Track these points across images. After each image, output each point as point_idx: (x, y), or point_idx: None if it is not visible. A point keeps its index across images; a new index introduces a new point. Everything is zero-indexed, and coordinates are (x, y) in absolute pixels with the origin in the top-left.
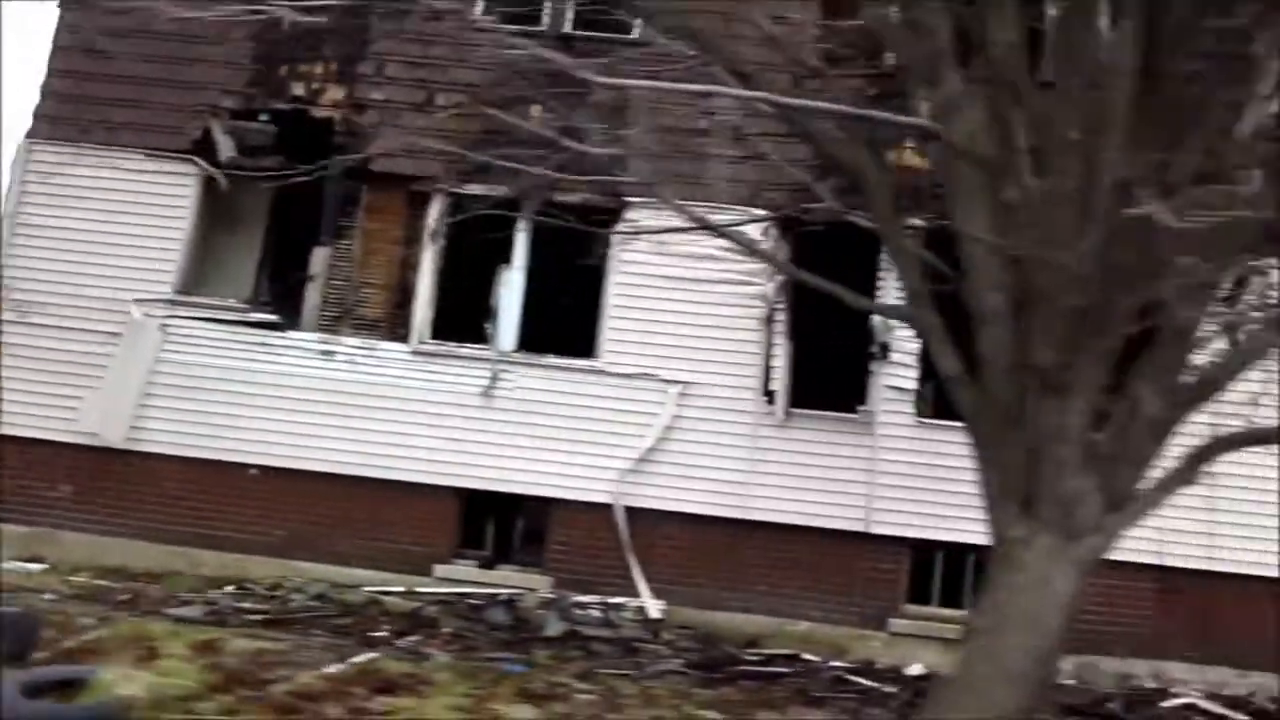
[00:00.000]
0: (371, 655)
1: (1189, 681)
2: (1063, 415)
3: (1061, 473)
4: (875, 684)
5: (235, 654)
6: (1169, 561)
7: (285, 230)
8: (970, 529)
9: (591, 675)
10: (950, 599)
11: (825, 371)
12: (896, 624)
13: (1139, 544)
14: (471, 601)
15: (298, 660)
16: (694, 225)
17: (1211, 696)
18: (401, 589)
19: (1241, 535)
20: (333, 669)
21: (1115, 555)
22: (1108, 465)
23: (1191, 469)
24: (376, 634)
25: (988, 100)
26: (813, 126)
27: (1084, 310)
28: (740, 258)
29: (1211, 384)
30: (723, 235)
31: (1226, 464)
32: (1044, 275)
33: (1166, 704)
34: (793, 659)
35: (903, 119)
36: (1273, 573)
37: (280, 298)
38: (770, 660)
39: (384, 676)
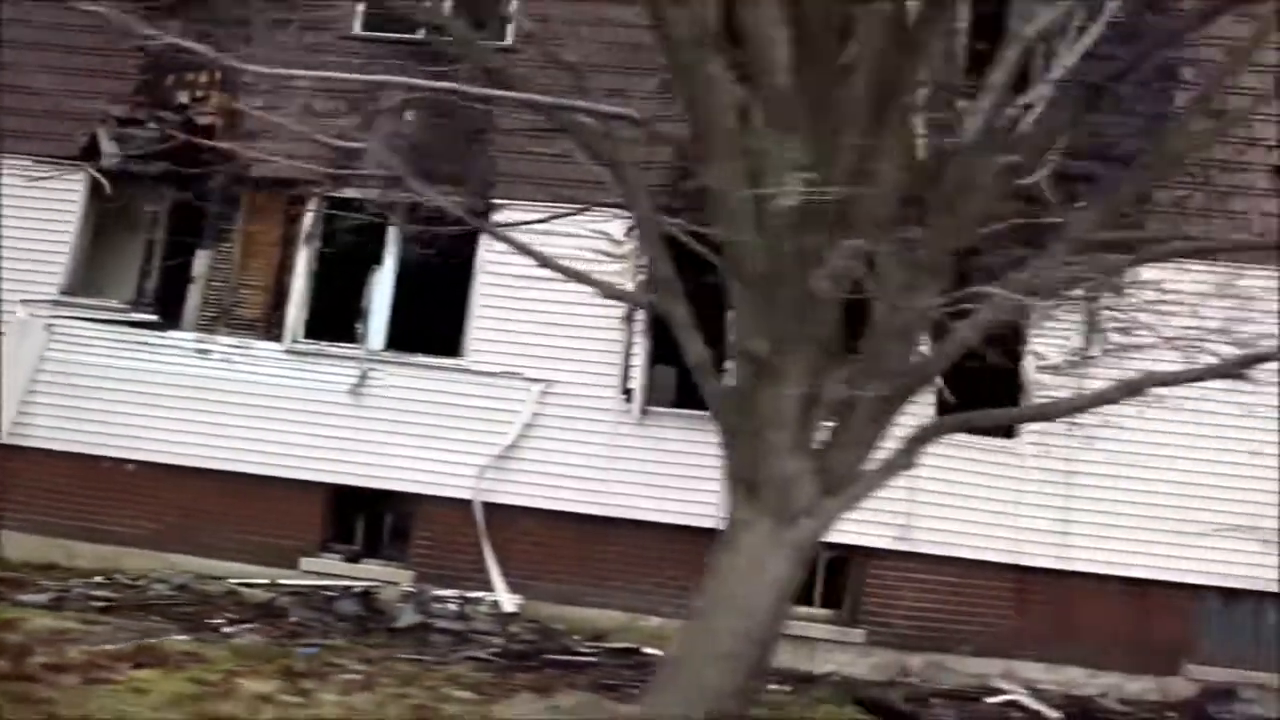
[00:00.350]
0: (178, 637)
1: (1041, 681)
2: (776, 401)
3: (777, 457)
4: None
5: (28, 632)
6: (1025, 561)
7: (172, 233)
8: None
9: (388, 659)
10: (803, 596)
11: (684, 371)
12: None
13: (996, 544)
14: (326, 593)
15: (89, 639)
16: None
17: (1038, 694)
18: (265, 581)
19: (1097, 535)
20: (112, 646)
21: (972, 555)
22: (823, 450)
23: (908, 454)
24: (211, 621)
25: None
26: (565, 120)
27: (791, 298)
28: (603, 258)
29: (922, 374)
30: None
31: (1082, 464)
32: (745, 261)
33: (991, 700)
34: (631, 652)
35: (605, 108)
36: (1128, 572)
37: (165, 299)
38: (606, 653)
39: (158, 653)
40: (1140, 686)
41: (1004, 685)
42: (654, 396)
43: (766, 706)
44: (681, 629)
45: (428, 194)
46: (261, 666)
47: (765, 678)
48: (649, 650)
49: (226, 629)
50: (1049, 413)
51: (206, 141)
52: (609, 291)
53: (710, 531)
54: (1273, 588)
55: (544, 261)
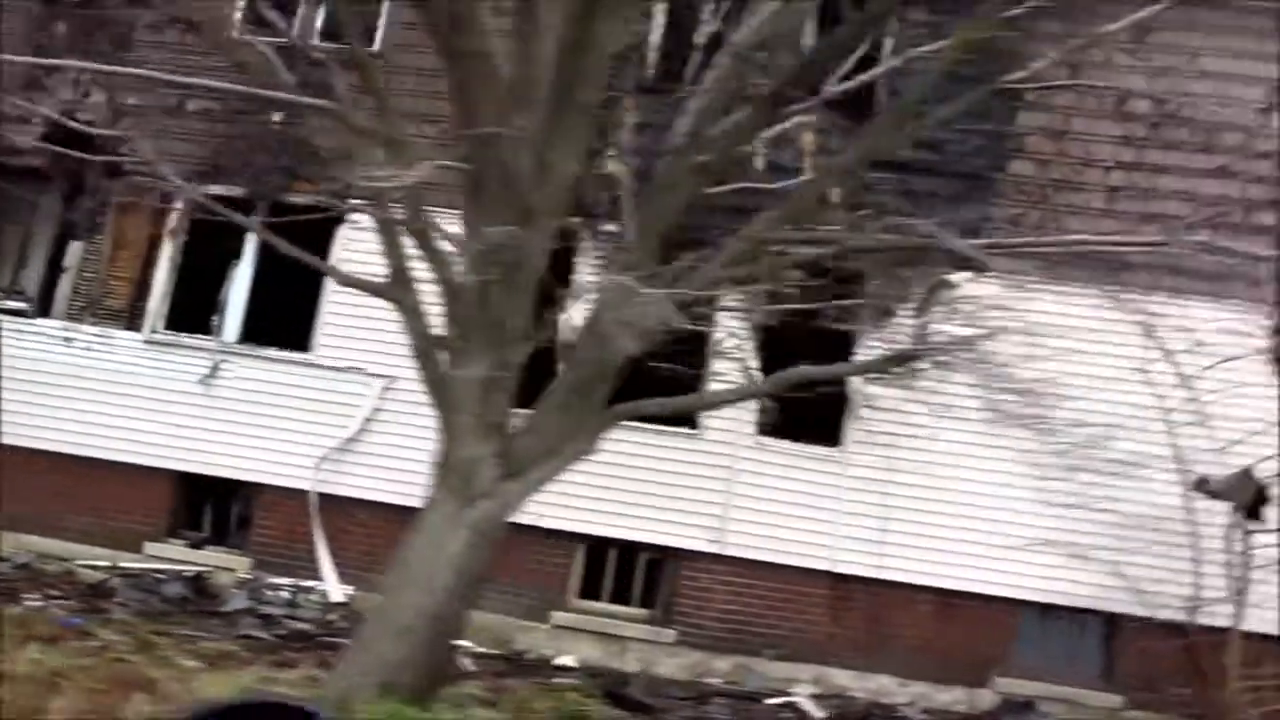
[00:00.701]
0: None
1: (851, 688)
2: (459, 385)
3: (460, 440)
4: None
5: None
6: (841, 569)
7: (49, 225)
8: (644, 527)
9: (152, 632)
10: (621, 595)
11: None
12: (559, 617)
13: (812, 550)
14: (156, 576)
15: None
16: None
17: (820, 699)
18: (106, 563)
19: (913, 546)
20: None
21: (787, 560)
22: (506, 436)
23: (587, 442)
24: (27, 596)
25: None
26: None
27: (469, 283)
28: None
29: (602, 368)
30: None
31: (902, 476)
32: (427, 251)
33: (770, 701)
34: None
35: (307, 100)
36: (943, 584)
37: (45, 289)
38: None
39: None
40: (949, 697)
41: (796, 690)
42: None
43: (510, 693)
44: (371, 604)
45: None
46: (15, 633)
47: (451, 653)
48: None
49: (34, 603)
50: (713, 401)
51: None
52: (345, 280)
53: (530, 529)
54: (1088, 603)
55: (299, 257)
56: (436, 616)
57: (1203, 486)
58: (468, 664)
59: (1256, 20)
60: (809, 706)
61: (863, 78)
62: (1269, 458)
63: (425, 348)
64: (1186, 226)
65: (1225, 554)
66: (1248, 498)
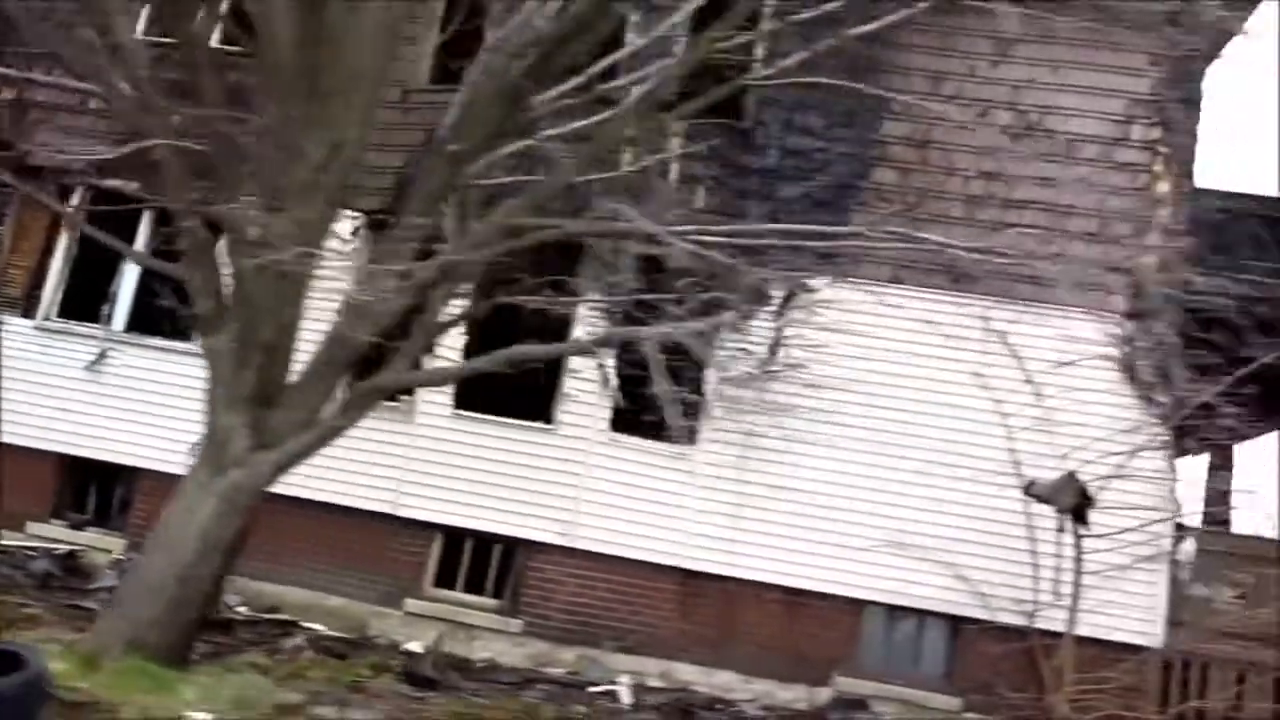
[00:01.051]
0: None
1: (696, 683)
2: (215, 359)
3: (214, 410)
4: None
5: None
6: (691, 565)
7: None
8: (500, 520)
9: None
10: (476, 585)
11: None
12: (412, 604)
13: (662, 546)
14: (27, 553)
15: None
16: None
17: (660, 691)
18: None
19: (763, 544)
20: None
21: (637, 555)
22: (260, 408)
23: (346, 418)
24: None
25: None
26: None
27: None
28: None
29: (350, 348)
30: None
31: (753, 475)
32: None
33: (592, 690)
34: (286, 624)
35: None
36: (791, 582)
37: None
38: (253, 622)
39: None
40: (790, 695)
41: (621, 680)
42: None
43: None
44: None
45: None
46: None
47: (202, 615)
48: (310, 625)
49: None
50: (438, 379)
51: None
52: (141, 262)
53: (386, 517)
54: (932, 605)
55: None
56: (183, 579)
57: (1030, 490)
58: (298, 640)
59: (1117, 34)
60: (624, 694)
61: (605, 61)
62: (1110, 463)
63: (204, 319)
64: (1042, 237)
65: (1055, 557)
66: (1070, 501)
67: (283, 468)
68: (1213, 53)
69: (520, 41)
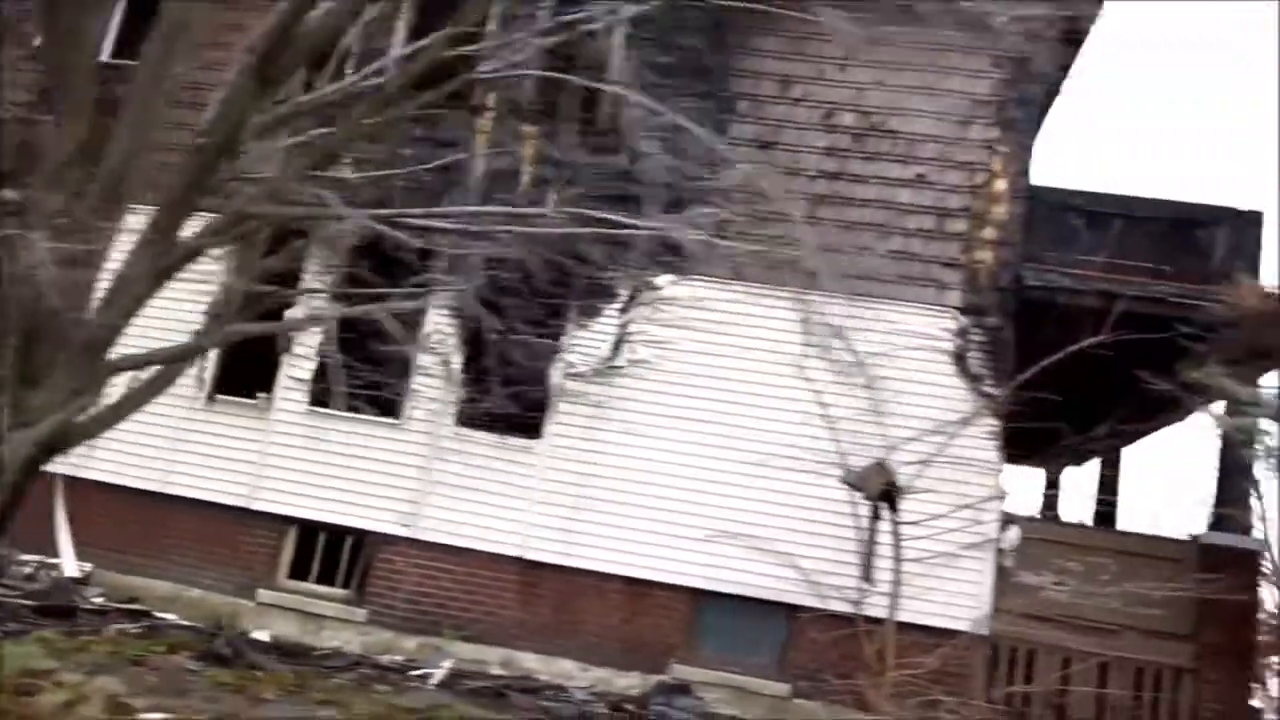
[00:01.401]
0: None
1: (537, 671)
2: None
3: None
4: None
5: None
6: (533, 556)
7: None
8: (351, 513)
9: None
10: (328, 577)
11: (249, 360)
12: (265, 595)
13: (505, 537)
14: None
15: None
16: None
17: (462, 674)
18: None
19: (603, 535)
20: None
21: (481, 546)
22: (13, 389)
23: (90, 396)
24: None
25: None
26: None
27: None
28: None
29: (105, 332)
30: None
31: (594, 467)
32: None
33: (412, 673)
34: (138, 613)
35: None
36: (630, 572)
37: None
38: (102, 611)
39: None
40: (627, 682)
41: (443, 664)
42: (222, 384)
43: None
44: None
45: None
46: None
47: None
48: (164, 615)
49: None
50: (173, 356)
51: None
52: None
53: (243, 511)
54: (768, 594)
55: None
56: None
57: (843, 479)
58: (126, 625)
59: (959, 37)
60: (436, 676)
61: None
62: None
63: None
64: (880, 233)
65: (869, 544)
66: (878, 487)
67: (48, 448)
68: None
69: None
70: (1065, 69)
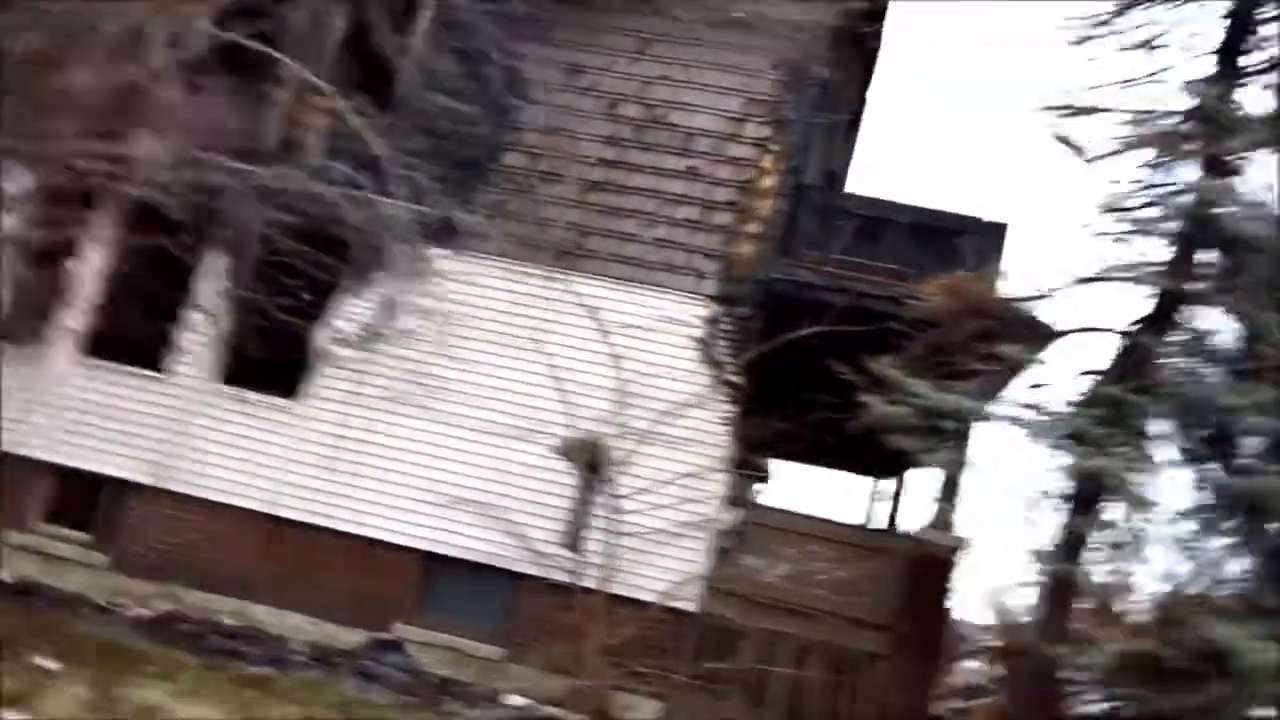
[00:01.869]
0: None
1: (266, 623)
2: None
3: None
4: None
5: None
6: (279, 512)
7: None
8: (108, 462)
9: None
10: (80, 522)
11: (32, 307)
12: (15, 537)
13: (252, 492)
14: None
15: None
16: None
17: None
18: None
19: (344, 495)
20: None
21: (227, 500)
22: None
23: None
24: None
25: None
26: None
27: None
28: None
29: None
30: None
31: (347, 430)
32: None
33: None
34: None
35: None
36: (364, 531)
37: None
38: None
39: None
40: (352, 639)
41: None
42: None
43: None
44: None
45: None
46: None
47: None
48: None
49: None
50: None
51: None
52: None
53: (7, 455)
54: (495, 561)
55: None
56: None
57: (557, 449)
58: None
59: (738, 36)
60: (144, 615)
61: None
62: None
63: None
64: (647, 221)
65: (577, 515)
66: (584, 458)
67: None
68: (863, 65)
69: None
70: (866, 76)
